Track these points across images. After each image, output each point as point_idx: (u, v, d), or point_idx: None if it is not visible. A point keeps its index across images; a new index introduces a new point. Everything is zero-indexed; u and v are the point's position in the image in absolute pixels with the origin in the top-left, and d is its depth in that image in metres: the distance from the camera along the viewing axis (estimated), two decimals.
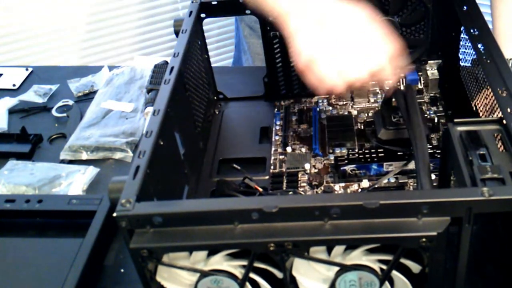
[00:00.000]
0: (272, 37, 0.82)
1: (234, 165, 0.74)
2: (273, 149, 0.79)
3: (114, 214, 0.47)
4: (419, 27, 0.81)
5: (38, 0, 1.67)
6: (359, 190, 0.70)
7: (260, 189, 0.70)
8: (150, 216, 0.46)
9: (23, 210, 0.69)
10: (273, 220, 0.46)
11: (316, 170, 0.74)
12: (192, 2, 0.80)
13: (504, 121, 0.52)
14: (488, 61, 0.59)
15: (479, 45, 0.62)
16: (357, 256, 0.48)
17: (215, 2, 0.80)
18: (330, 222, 0.46)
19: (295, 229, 0.46)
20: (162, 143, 0.59)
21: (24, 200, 0.69)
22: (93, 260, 0.63)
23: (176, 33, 0.75)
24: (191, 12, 0.78)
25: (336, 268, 0.49)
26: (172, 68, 0.66)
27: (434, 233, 0.44)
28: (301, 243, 0.46)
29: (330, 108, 0.85)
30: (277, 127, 0.83)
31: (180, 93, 0.69)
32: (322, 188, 0.71)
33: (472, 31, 0.64)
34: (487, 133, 0.52)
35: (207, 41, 0.85)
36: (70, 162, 0.85)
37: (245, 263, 0.49)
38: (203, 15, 0.81)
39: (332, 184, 0.71)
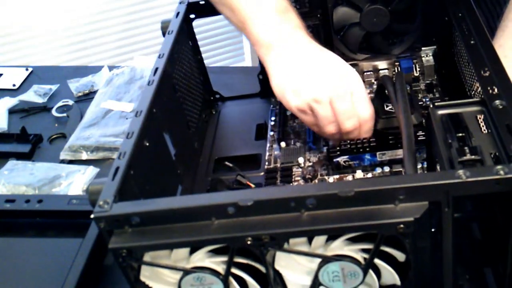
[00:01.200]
0: None
1: (226, 163, 0.74)
2: (268, 145, 0.79)
3: (92, 216, 0.47)
4: (409, 13, 0.80)
5: (38, 0, 1.69)
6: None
7: (253, 186, 0.69)
8: (127, 216, 0.46)
9: (23, 210, 0.69)
10: (250, 213, 0.46)
11: (310, 164, 0.73)
12: (180, 3, 0.81)
13: (486, 101, 0.50)
14: (472, 41, 0.58)
15: (464, 27, 0.61)
16: (339, 247, 0.48)
17: (203, 2, 0.80)
18: (306, 213, 0.45)
19: (272, 222, 0.45)
20: (147, 144, 0.59)
21: (24, 200, 0.70)
22: (93, 260, 0.63)
23: (164, 34, 0.75)
24: (178, 13, 0.78)
25: (318, 260, 0.48)
26: (156, 69, 0.66)
27: (411, 219, 0.43)
28: (278, 235, 0.45)
29: None
30: (272, 123, 0.82)
31: (168, 94, 0.70)
32: (316, 181, 0.70)
33: (457, 13, 0.63)
34: (469, 114, 0.51)
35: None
36: (70, 162, 0.85)
37: (226, 259, 0.49)
38: (192, 16, 0.81)
39: (326, 177, 0.70)
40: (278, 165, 0.75)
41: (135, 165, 0.54)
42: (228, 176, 0.74)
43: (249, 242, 0.46)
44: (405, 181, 0.43)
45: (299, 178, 0.71)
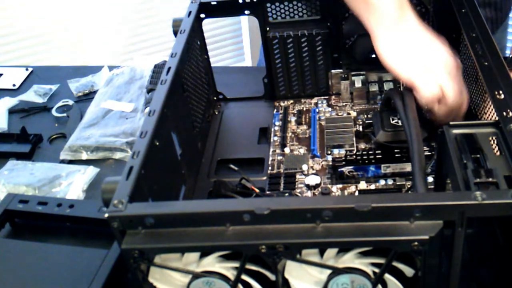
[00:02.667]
0: (272, 38, 0.82)
1: (231, 166, 0.74)
2: (271, 149, 0.79)
3: (106, 215, 0.47)
4: None
5: (38, 0, 1.69)
6: (356, 191, 0.69)
7: (257, 190, 0.69)
8: (142, 217, 0.46)
9: (54, 214, 0.68)
10: (265, 222, 0.46)
11: (314, 172, 0.74)
12: (192, 2, 0.80)
13: (500, 124, 0.51)
14: (486, 63, 0.59)
15: (477, 47, 0.61)
16: (350, 259, 0.48)
17: (215, 3, 0.80)
18: (322, 224, 0.45)
19: (287, 232, 0.46)
20: (157, 143, 0.59)
21: (56, 204, 0.69)
22: (116, 274, 0.62)
23: (175, 33, 0.75)
24: (190, 12, 0.78)
25: (329, 271, 0.48)
26: (169, 68, 0.66)
27: (426, 237, 0.44)
28: (292, 245, 0.46)
29: (330, 109, 0.84)
30: (276, 128, 0.83)
31: (177, 94, 0.69)
32: (319, 189, 0.71)
33: (470, 33, 0.64)
34: (483, 136, 0.51)
35: (209, 40, 0.85)
36: (70, 162, 0.85)
37: (237, 265, 0.49)
38: (202, 16, 0.81)
39: (329, 186, 0.71)
40: (282, 170, 0.75)
41: (146, 164, 0.54)
42: (231, 178, 0.74)
43: (263, 250, 0.46)
44: (423, 200, 0.44)
45: (302, 185, 0.72)
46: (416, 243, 0.44)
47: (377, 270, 0.48)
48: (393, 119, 0.73)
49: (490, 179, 0.46)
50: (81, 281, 0.59)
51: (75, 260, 0.62)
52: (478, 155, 0.49)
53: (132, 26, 1.84)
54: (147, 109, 0.87)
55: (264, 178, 0.74)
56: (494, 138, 0.52)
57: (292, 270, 0.49)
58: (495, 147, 0.51)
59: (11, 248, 0.66)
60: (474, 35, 0.63)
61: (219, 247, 0.47)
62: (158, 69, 0.94)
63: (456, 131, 0.52)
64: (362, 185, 0.70)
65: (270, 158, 0.77)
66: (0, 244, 0.67)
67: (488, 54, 0.60)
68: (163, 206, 0.47)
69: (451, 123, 0.53)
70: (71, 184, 0.77)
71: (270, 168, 0.76)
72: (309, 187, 0.71)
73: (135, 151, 0.54)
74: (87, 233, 0.67)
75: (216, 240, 0.46)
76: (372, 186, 0.70)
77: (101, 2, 1.76)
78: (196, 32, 0.81)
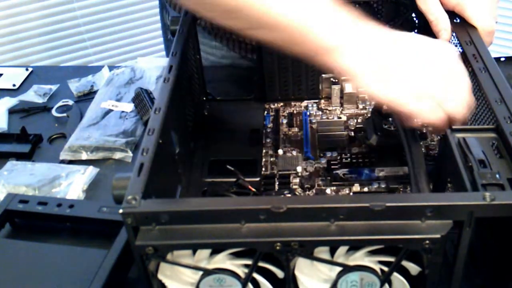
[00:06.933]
0: None
1: (228, 166, 0.74)
2: (264, 151, 0.79)
3: (120, 211, 0.46)
4: None
5: (38, 0, 1.70)
6: (351, 194, 0.71)
7: (254, 190, 0.70)
8: (157, 214, 0.46)
9: (54, 214, 0.68)
10: (280, 220, 0.46)
11: (307, 173, 0.75)
12: None
13: (500, 129, 0.53)
14: (483, 72, 0.61)
15: (473, 54, 0.64)
16: (360, 257, 0.49)
17: None
18: (336, 223, 0.46)
19: (302, 230, 0.46)
20: (161, 141, 0.59)
21: (56, 204, 0.69)
22: (116, 273, 0.61)
23: (172, 31, 0.75)
24: (187, 12, 0.78)
25: (338, 269, 0.49)
26: (171, 66, 0.66)
27: (438, 236, 0.45)
28: (307, 243, 0.46)
29: (320, 112, 0.86)
30: (268, 130, 0.83)
31: (176, 93, 0.69)
32: (314, 191, 0.72)
33: (465, 42, 0.66)
34: (484, 140, 0.53)
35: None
36: (70, 162, 0.84)
37: (247, 262, 0.49)
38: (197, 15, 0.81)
39: (323, 188, 0.72)
40: (275, 171, 0.76)
41: (154, 162, 0.54)
42: (224, 178, 0.74)
43: (278, 248, 0.46)
44: (434, 199, 0.45)
45: (296, 187, 0.73)
46: (427, 241, 0.46)
47: (384, 268, 0.50)
48: (385, 124, 0.75)
49: (495, 181, 0.48)
50: (81, 281, 0.59)
51: (75, 260, 0.61)
52: (483, 158, 0.50)
53: (132, 26, 1.87)
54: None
55: (257, 179, 0.74)
56: (494, 142, 0.54)
57: (303, 268, 0.50)
58: (495, 151, 0.53)
59: (11, 248, 0.65)
60: (469, 45, 0.66)
61: (235, 244, 0.47)
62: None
63: (458, 135, 0.54)
64: (356, 187, 0.72)
65: (263, 160, 0.78)
66: (0, 244, 0.65)
67: (484, 63, 0.62)
68: (178, 203, 0.48)
69: (453, 127, 0.55)
70: (71, 184, 0.76)
71: (263, 169, 0.76)
72: (303, 188, 0.72)
73: (144, 148, 0.54)
74: (87, 233, 0.67)
75: (232, 237, 0.46)
76: (366, 189, 0.72)
77: (102, 2, 1.77)
78: (191, 32, 0.81)
